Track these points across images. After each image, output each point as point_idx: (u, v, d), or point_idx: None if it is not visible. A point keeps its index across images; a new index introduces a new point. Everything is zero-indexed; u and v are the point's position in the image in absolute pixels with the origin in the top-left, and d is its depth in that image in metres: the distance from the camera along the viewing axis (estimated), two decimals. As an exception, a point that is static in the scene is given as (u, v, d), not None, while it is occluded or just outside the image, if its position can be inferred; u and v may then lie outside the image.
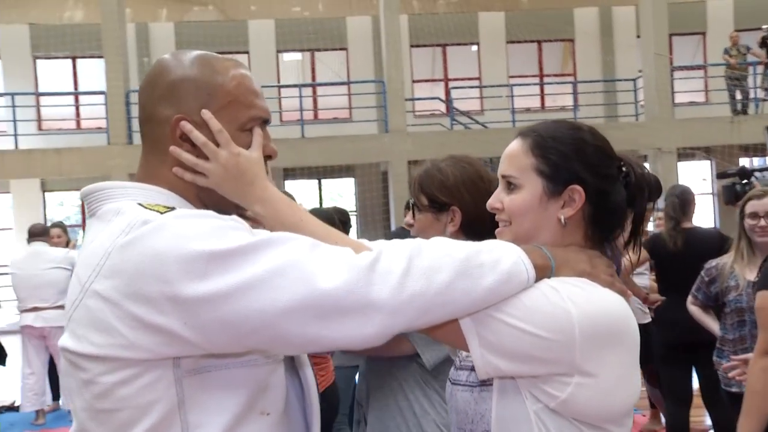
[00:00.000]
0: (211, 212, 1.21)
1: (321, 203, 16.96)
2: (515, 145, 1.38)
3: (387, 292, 1.11)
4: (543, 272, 1.25)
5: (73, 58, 16.50)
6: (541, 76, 17.80)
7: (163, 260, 1.09)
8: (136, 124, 14.84)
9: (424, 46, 17.44)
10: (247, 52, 17.00)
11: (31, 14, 16.21)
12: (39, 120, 16.10)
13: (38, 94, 16.00)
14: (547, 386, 1.22)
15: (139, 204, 1.21)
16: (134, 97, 14.52)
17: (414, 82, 17.20)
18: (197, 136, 1.26)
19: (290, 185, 16.42)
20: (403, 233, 2.52)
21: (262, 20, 17.04)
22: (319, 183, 17.10)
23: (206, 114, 1.26)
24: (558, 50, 18.12)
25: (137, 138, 14.46)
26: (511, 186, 1.36)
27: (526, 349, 1.19)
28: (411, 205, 2.09)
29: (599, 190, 1.34)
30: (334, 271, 1.11)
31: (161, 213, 1.17)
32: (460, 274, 1.16)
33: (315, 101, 17.07)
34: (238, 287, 1.08)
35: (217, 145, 1.26)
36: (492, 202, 1.40)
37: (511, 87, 15.55)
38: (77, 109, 16.10)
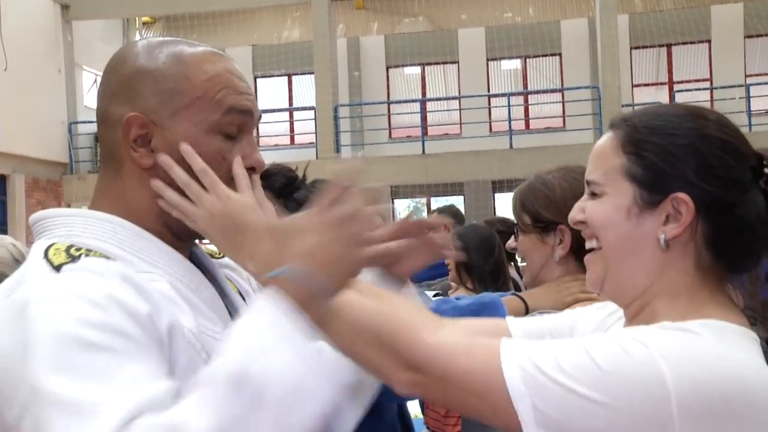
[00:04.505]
0: (94, 295, 0.91)
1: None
2: (604, 140, 1.07)
3: None
4: None
5: (289, 76, 17.15)
6: (787, 73, 15.84)
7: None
8: (344, 138, 15.32)
9: (647, 47, 16.18)
10: (456, 62, 16.79)
11: (253, 36, 17.15)
12: (257, 136, 16.93)
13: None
14: None
15: (49, 246, 0.98)
16: (342, 111, 14.89)
17: (634, 86, 16.00)
18: (179, 174, 1.03)
19: (498, 198, 15.95)
20: None
21: (473, 29, 16.72)
22: (531, 196, 16.40)
23: (186, 149, 1.03)
24: (810, 42, 16.02)
25: (345, 152, 15.04)
26: (594, 195, 1.06)
27: (602, 428, 0.88)
28: (513, 226, 1.89)
29: (718, 200, 0.99)
30: None
31: (53, 266, 0.94)
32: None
33: (526, 110, 16.43)
34: None
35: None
36: (573, 214, 1.09)
37: (748, 87, 14.02)
38: (291, 124, 16.73)
